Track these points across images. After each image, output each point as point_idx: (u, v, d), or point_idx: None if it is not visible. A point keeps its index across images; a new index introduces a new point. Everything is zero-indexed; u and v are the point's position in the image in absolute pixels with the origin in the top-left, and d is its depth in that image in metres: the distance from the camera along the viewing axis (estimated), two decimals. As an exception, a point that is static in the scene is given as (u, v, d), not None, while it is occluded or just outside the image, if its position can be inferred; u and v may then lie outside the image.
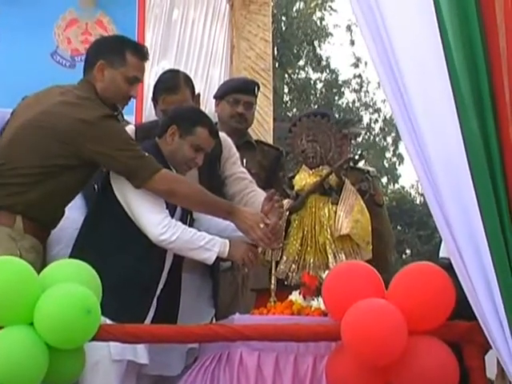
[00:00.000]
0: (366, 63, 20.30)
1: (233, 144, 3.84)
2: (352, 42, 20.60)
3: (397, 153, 20.75)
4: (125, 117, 4.39)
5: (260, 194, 3.62)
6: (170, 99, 3.78)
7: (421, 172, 2.73)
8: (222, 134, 3.81)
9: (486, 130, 2.70)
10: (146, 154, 3.29)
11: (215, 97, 4.42)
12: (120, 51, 3.39)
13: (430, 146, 2.70)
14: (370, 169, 4.55)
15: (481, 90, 2.71)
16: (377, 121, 20.98)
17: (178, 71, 4.06)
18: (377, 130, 21.03)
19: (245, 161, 3.98)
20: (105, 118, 3.25)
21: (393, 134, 20.14)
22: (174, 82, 3.83)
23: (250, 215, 3.39)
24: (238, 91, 4.25)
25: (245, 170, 3.85)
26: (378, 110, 20.80)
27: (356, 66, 20.77)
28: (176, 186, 3.30)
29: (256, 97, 4.36)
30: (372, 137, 21.04)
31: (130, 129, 3.83)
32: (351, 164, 3.97)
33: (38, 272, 2.85)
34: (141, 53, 3.44)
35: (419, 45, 2.75)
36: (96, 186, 3.62)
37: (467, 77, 2.72)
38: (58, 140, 3.21)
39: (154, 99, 3.89)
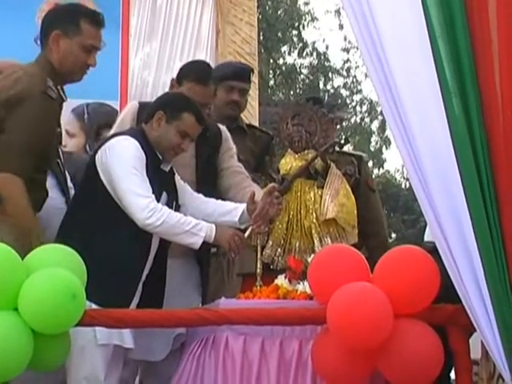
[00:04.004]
0: (349, 48, 20.26)
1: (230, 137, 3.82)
2: (341, 27, 20.51)
3: (383, 137, 20.74)
4: (109, 103, 4.36)
5: (257, 190, 3.57)
6: (197, 89, 3.67)
7: (406, 157, 2.74)
8: (222, 127, 3.81)
9: (468, 116, 2.69)
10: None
11: None
12: (74, 20, 3.31)
13: (417, 133, 2.71)
14: (363, 154, 4.58)
15: (464, 78, 2.70)
16: (363, 104, 20.94)
17: (210, 66, 3.99)
18: (363, 114, 21.02)
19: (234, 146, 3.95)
20: (42, 94, 3.15)
21: (380, 118, 20.11)
22: (206, 75, 3.75)
23: None
24: (234, 78, 4.18)
25: (241, 164, 3.81)
26: (360, 92, 20.77)
27: (345, 50, 20.72)
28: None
29: (250, 82, 4.32)
30: (358, 120, 21.03)
31: (133, 105, 3.79)
32: (338, 148, 3.98)
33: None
34: (96, 20, 3.35)
35: (405, 33, 2.75)
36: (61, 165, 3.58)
37: (451, 64, 2.71)
38: None
39: (178, 82, 3.75)
